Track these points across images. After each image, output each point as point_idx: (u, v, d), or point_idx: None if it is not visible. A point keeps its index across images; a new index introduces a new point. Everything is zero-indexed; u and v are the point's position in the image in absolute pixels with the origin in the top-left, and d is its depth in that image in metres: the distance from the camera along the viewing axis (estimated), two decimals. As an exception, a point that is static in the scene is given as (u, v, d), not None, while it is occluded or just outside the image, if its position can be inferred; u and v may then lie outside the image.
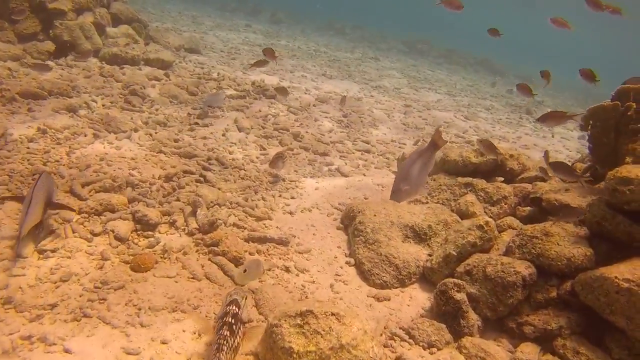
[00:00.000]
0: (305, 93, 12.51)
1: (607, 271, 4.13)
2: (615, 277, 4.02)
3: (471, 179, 6.27)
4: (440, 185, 6.47)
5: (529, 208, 5.88)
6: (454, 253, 5.01)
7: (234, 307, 3.70)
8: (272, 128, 9.20)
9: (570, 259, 4.46)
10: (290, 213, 6.11)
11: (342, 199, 6.56)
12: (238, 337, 3.64)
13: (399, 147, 9.68)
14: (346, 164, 8.20)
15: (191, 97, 9.87)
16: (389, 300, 4.94)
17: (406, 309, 4.88)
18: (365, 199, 6.62)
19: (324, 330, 3.54)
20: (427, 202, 6.43)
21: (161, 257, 4.87)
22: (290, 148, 8.35)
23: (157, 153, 6.97)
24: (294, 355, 3.46)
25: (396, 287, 5.13)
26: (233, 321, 3.61)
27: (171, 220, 5.40)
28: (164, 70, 11.21)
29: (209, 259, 4.93)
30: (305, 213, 6.17)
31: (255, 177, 6.87)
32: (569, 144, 13.79)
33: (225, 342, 3.50)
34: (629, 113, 5.13)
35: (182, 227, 5.35)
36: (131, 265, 4.60)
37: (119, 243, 4.91)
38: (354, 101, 12.81)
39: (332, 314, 3.67)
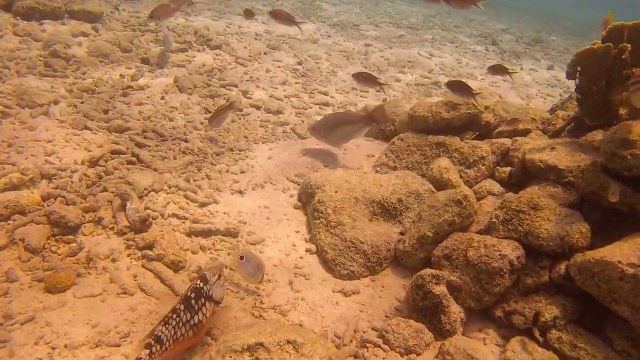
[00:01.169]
0: (256, 38, 11.36)
1: (608, 254, 3.52)
2: (619, 262, 3.42)
3: (443, 137, 5.53)
4: (409, 145, 5.72)
5: (509, 169, 5.22)
6: (429, 234, 4.34)
7: (199, 282, 3.31)
8: (219, 85, 8.19)
9: (563, 237, 3.84)
10: (240, 192, 5.30)
11: (299, 169, 5.77)
12: (199, 314, 3.23)
13: (361, 97, 8.82)
14: (303, 121, 7.34)
15: (125, 55, 8.70)
16: (358, 293, 4.29)
17: (378, 302, 4.24)
18: (325, 166, 5.85)
19: (278, 368, 2.86)
20: (394, 167, 5.70)
21: (85, 268, 4.05)
22: (239, 109, 7.40)
23: (81, 130, 5.97)
24: (244, 402, 2.79)
25: (366, 276, 4.47)
26: (193, 295, 3.22)
27: (97, 218, 4.54)
28: (91, 23, 9.88)
29: (143, 265, 4.14)
30: (257, 190, 5.37)
31: (199, 150, 5.98)
32: (539, 75, 13.13)
33: (175, 316, 3.08)
34: (623, 57, 4.39)
35: (111, 226, 4.50)
36: (45, 285, 3.78)
37: (32, 255, 4.06)
38: (310, 44, 11.74)
39: (288, 342, 2.98)
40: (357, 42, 12.83)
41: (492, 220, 4.24)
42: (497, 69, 6.58)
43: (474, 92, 5.29)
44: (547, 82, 12.73)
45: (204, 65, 8.77)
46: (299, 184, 5.49)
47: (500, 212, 4.23)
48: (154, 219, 4.63)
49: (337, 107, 8.14)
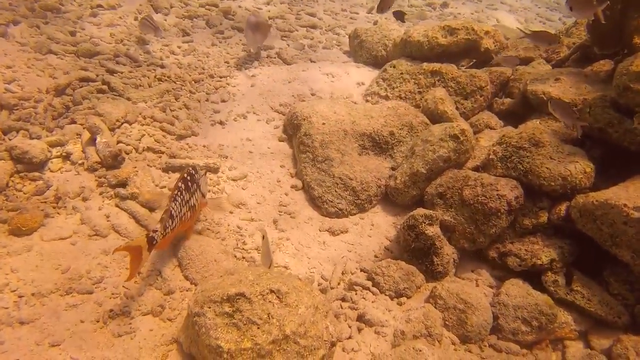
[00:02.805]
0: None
1: (613, 196, 3.30)
2: (624, 205, 3.21)
3: (439, 65, 5.13)
4: (402, 73, 5.33)
5: (509, 100, 4.90)
6: (422, 170, 4.08)
7: (191, 170, 3.43)
8: (197, 4, 7.56)
9: (566, 177, 3.60)
10: (221, 123, 4.94)
11: (285, 98, 5.38)
12: (194, 196, 3.37)
13: (351, 19, 8.25)
14: (288, 45, 6.84)
15: (93, -32, 7.93)
16: (346, 232, 4.09)
17: (367, 241, 4.05)
18: (312, 94, 5.46)
19: (261, 319, 2.66)
20: (386, 97, 5.34)
21: (54, 208, 3.76)
22: (219, 30, 6.86)
23: (44, 54, 5.45)
24: (224, 356, 2.61)
25: (354, 214, 4.25)
26: (189, 178, 3.35)
27: (65, 153, 4.19)
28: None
29: (116, 205, 3.86)
30: (239, 121, 5.01)
31: (177, 76, 5.54)
32: (536, -4, 12.46)
33: (179, 194, 3.20)
34: (642, -24, 3.97)
35: (80, 161, 4.16)
36: (9, 227, 3.49)
37: (-6, 194, 3.75)
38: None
39: (271, 292, 2.77)
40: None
41: (490, 156, 3.98)
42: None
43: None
44: (546, 5, 12.10)
45: (180, -19, 8.06)
46: (284, 115, 5.13)
47: (499, 148, 3.96)
48: (127, 154, 4.29)
49: (325, 30, 7.60)
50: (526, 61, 5.21)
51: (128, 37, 6.28)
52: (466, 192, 3.77)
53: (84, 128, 4.37)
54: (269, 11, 7.86)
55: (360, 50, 6.47)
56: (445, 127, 4.12)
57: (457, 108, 4.88)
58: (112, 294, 3.19)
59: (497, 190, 3.66)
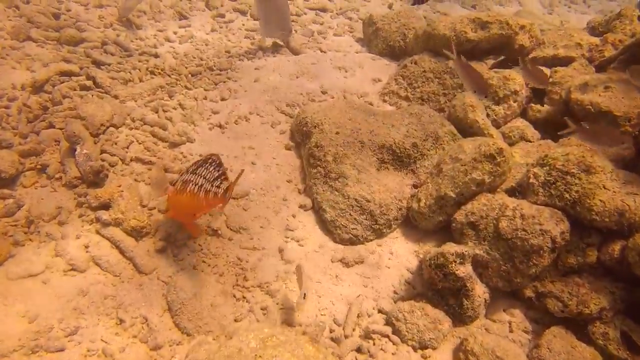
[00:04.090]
0: None
1: (685, 242, 2.77)
2: (701, 255, 2.68)
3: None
4: (425, 71, 4.73)
5: (547, 107, 4.32)
6: (451, 194, 3.54)
7: (215, 157, 3.05)
8: (196, -18, 6.89)
9: (623, 213, 3.06)
10: (220, 127, 4.38)
11: (292, 96, 4.79)
12: (213, 184, 2.90)
13: (364, 2, 7.56)
14: (296, 31, 6.21)
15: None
16: (361, 263, 3.57)
17: (386, 273, 3.54)
18: (323, 93, 4.87)
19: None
20: (406, 97, 4.76)
21: (25, 233, 3.25)
22: (219, 13, 6.22)
23: (22, 42, 4.86)
24: None
25: (371, 240, 3.73)
26: (219, 162, 3.02)
27: (40, 165, 3.65)
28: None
29: (97, 232, 3.33)
30: (240, 124, 4.44)
31: (171, 69, 4.95)
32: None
33: (196, 169, 2.96)
34: None
35: (57, 175, 3.63)
36: (-30, 260, 2.98)
37: (-45, 217, 3.22)
38: None
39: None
40: None
41: (531, 180, 3.43)
42: None
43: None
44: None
45: (179, -44, 7.35)
46: (291, 117, 4.56)
47: (541, 171, 3.41)
48: (112, 166, 3.74)
49: (337, 13, 6.95)
50: (566, 62, 4.60)
51: (118, 21, 5.66)
52: (503, 224, 3.24)
53: (63, 133, 3.82)
54: (275, -10, 7.18)
55: (376, 40, 5.84)
56: (479, 144, 3.56)
57: (487, 114, 4.31)
58: (88, 350, 2.69)
59: (540, 225, 3.13)
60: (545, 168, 3.41)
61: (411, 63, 4.87)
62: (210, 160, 3.01)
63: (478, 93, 3.56)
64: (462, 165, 3.55)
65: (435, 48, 4.85)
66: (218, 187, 2.86)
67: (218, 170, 2.94)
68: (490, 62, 4.95)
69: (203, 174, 2.93)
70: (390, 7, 7.53)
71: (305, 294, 2.87)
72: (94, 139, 3.92)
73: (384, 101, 4.86)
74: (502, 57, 4.94)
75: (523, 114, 4.45)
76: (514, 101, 4.33)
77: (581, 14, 9.67)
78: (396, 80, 4.89)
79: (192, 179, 2.88)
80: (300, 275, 3.04)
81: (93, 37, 5.14)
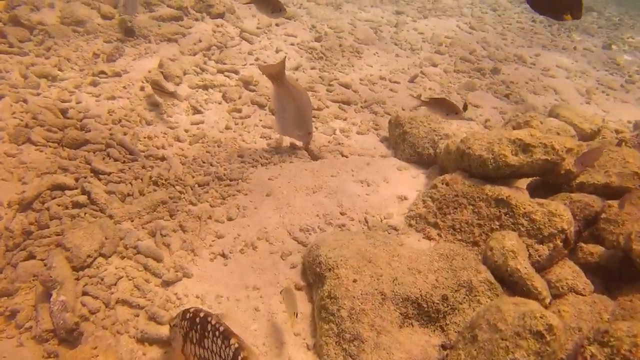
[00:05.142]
0: None
1: None
2: None
3: (507, 191, 4.00)
4: (457, 196, 4.20)
5: (599, 250, 3.72)
6: (490, 375, 2.92)
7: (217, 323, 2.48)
8: (216, 70, 6.61)
9: None
10: (224, 256, 3.87)
11: (307, 218, 4.29)
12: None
13: (390, 91, 7.18)
14: (317, 129, 5.79)
15: (105, 23, 7.10)
16: None
17: None
18: (342, 214, 4.36)
19: None
20: (435, 224, 4.21)
21: (-24, 406, 2.72)
22: (236, 108, 5.86)
23: (21, 145, 4.52)
24: None
25: (390, 420, 3.09)
26: (224, 331, 2.42)
27: (10, 310, 3.17)
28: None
29: (62, 409, 2.79)
30: (247, 254, 3.92)
31: (177, 179, 4.52)
32: (594, 57, 11.22)
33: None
34: None
35: (28, 324, 3.13)
36: None
37: None
38: (332, 11, 9.95)
39: None
40: (385, 9, 10.97)
41: (588, 364, 2.79)
42: None
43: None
44: (603, 65, 10.85)
45: (200, 42, 7.13)
46: (304, 245, 4.03)
47: (600, 352, 2.78)
48: (92, 314, 3.24)
49: (361, 106, 6.54)
50: (620, 192, 4.03)
51: (128, 115, 5.33)
52: None
53: (38, 277, 3.34)
54: (297, 79, 6.85)
55: (403, 144, 5.37)
56: (523, 313, 2.95)
57: (529, 254, 3.72)
58: None
59: None
60: (605, 349, 2.78)
61: (442, 183, 4.35)
62: (214, 330, 2.46)
63: (450, 115, 4.50)
64: (502, 340, 2.93)
65: (469, 168, 4.33)
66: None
67: (227, 345, 2.38)
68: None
69: (212, 348, 2.41)
70: (419, 97, 7.11)
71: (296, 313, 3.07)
72: (78, 274, 3.45)
73: (410, 226, 4.32)
74: (537, 178, 4.41)
75: (572, 254, 3.85)
76: (560, 240, 3.74)
77: (621, 102, 9.15)
78: (424, 202, 4.36)
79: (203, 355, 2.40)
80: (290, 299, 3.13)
81: (97, 138, 4.78)
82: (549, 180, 4.34)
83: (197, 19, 7.78)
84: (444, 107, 4.59)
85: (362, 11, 10.44)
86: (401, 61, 8.36)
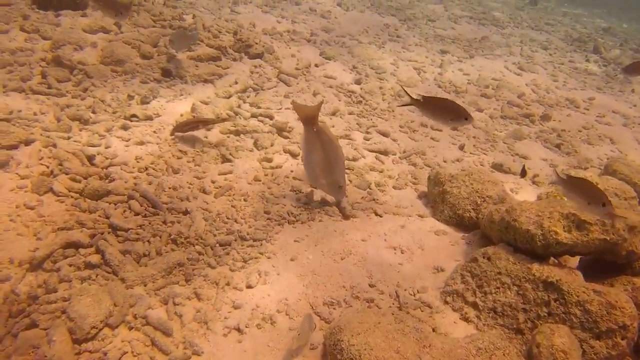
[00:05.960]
0: (310, 40, 9.45)
1: None
2: None
3: (557, 273, 3.54)
4: (500, 273, 3.76)
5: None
6: None
7: None
8: (249, 114, 6.41)
9: None
10: (239, 330, 3.55)
11: (332, 289, 3.93)
12: None
13: (432, 140, 6.81)
14: (350, 182, 5.47)
15: (144, 62, 7.06)
16: None
17: None
18: (371, 286, 3.99)
19: None
20: (474, 304, 3.78)
21: None
22: (267, 157, 5.61)
23: (42, 195, 4.38)
24: None
25: None
26: None
27: (3, 390, 2.95)
28: (117, 15, 8.27)
29: None
30: (263, 329, 3.59)
31: (197, 237, 4.27)
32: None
33: None
34: None
35: (20, 408, 2.89)
36: None
37: None
38: (374, 50, 9.71)
39: None
40: (430, 48, 10.66)
41: None
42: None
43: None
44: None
45: (236, 83, 6.99)
46: (327, 322, 3.68)
47: None
48: (89, 398, 2.97)
49: (399, 157, 6.19)
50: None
51: (155, 163, 5.16)
52: None
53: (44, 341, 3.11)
54: (334, 126, 6.58)
55: (442, 204, 4.98)
56: None
57: (583, 351, 3.25)
58: None
59: None
60: None
61: (483, 257, 3.93)
62: None
63: (455, 121, 3.70)
64: None
65: (515, 242, 3.90)
66: None
67: None
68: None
69: None
70: (461, 148, 6.71)
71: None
72: (80, 347, 3.20)
73: (446, 303, 3.90)
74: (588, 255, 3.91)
75: (636, 353, 3.34)
76: (622, 338, 3.25)
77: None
78: (462, 276, 3.94)
79: None
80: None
81: (120, 189, 4.60)
82: (617, 261, 3.84)
83: (235, 59, 7.68)
84: (447, 110, 3.58)
85: (406, 50, 10.16)
86: (444, 106, 7.98)
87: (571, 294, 3.41)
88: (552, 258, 3.84)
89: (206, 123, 5.62)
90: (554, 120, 8.31)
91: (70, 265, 3.73)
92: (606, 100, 9.94)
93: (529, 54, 11.99)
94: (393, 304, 3.86)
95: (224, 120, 5.72)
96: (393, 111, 7.35)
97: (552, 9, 19.93)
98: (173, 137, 5.55)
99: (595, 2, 23.34)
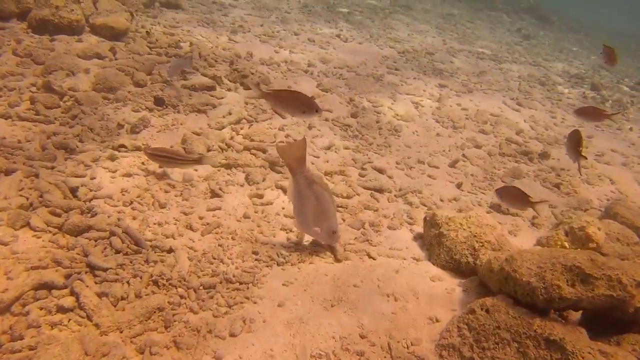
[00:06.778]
0: (307, 71, 9.37)
1: None
2: None
3: (560, 331, 3.32)
4: (499, 328, 3.54)
5: None
6: None
7: None
8: (242, 147, 6.24)
9: None
10: (219, 391, 3.31)
11: (321, 340, 3.69)
12: None
13: (429, 178, 6.64)
14: (344, 220, 5.27)
15: (137, 91, 6.92)
16: None
17: None
18: (362, 337, 3.75)
19: None
20: (470, 358, 3.54)
21: None
22: (258, 193, 5.42)
23: (18, 229, 4.16)
24: None
25: None
26: None
27: None
28: (114, 41, 8.20)
29: None
30: (247, 385, 3.35)
31: (180, 279, 4.04)
32: (655, 141, 10.44)
33: None
34: None
35: None
36: None
37: None
38: (372, 83, 9.62)
39: None
40: (429, 81, 10.59)
41: None
42: (589, 113, 6.19)
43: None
44: (666, 153, 10.04)
45: (230, 114, 6.84)
46: (315, 375, 3.43)
47: None
48: None
49: (395, 195, 6.01)
50: None
51: (142, 196, 4.95)
52: None
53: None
54: (328, 161, 6.41)
55: (439, 248, 4.78)
56: None
57: (589, 418, 3.01)
58: None
59: None
60: None
61: (481, 309, 3.70)
62: None
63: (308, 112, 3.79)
64: None
65: (515, 295, 3.68)
66: None
67: None
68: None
69: None
70: (458, 186, 6.54)
71: None
72: (45, 403, 2.94)
73: (441, 357, 3.66)
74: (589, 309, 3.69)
75: (643, 422, 3.11)
76: (631, 405, 3.01)
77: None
78: (459, 329, 3.71)
79: None
80: None
81: (101, 225, 4.39)
82: (625, 318, 3.61)
83: (229, 89, 7.54)
84: (297, 103, 3.78)
85: (404, 83, 10.08)
86: (442, 141, 7.85)
87: (575, 355, 3.19)
88: (552, 312, 3.62)
89: (182, 162, 5.17)
90: (552, 159, 8.18)
91: (40, 309, 3.49)
92: (604, 139, 9.85)
93: (527, 90, 11.93)
94: (385, 357, 3.62)
95: (196, 162, 5.22)
96: (389, 146, 7.20)
97: (549, 44, 20.07)
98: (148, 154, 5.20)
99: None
